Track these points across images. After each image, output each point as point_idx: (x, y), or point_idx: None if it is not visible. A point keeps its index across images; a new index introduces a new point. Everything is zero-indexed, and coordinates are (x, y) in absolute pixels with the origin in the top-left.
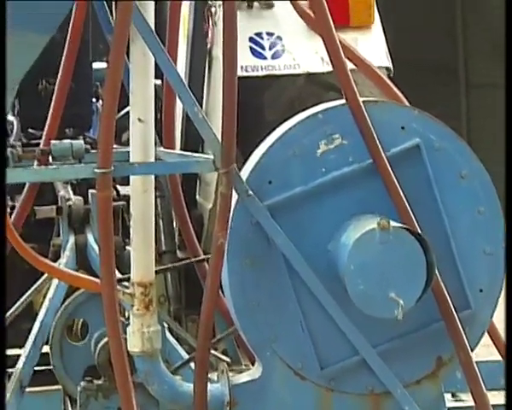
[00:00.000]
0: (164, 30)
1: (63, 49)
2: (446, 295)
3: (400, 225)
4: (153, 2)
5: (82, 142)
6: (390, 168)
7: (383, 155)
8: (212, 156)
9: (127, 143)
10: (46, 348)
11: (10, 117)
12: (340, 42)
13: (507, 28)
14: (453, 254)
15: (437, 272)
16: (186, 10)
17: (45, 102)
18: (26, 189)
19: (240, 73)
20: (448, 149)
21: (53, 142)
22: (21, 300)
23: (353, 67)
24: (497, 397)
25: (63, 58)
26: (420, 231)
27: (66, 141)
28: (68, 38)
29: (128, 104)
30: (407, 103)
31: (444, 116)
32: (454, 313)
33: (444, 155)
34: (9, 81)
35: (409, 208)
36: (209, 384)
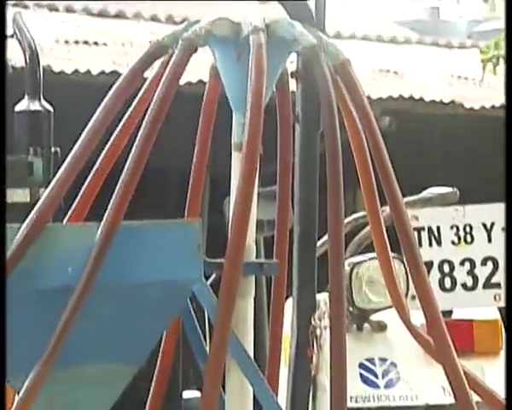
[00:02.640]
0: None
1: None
2: None
3: None
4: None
5: None
6: None
7: None
8: None
9: None
10: None
11: None
12: (464, 371)
13: (507, 31)
14: None
15: None
16: (287, 330)
17: None
18: None
19: (349, 404)
20: None
21: None
22: None
23: (479, 399)
24: None
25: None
26: None
27: None
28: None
29: None
30: None
31: None
32: None
33: None
34: None
35: None
36: None
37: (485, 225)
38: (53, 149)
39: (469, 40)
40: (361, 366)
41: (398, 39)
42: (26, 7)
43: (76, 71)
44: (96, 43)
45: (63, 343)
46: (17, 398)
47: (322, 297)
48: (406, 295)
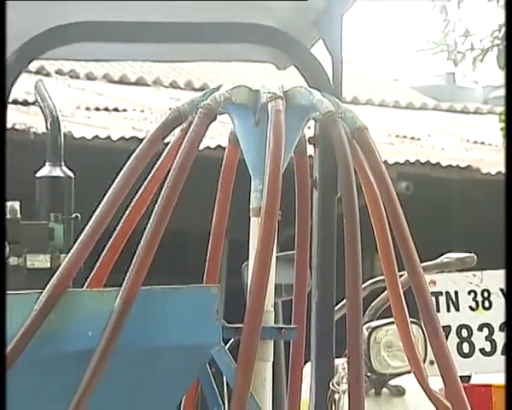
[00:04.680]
0: None
1: None
2: None
3: None
4: None
5: None
6: None
7: None
8: None
9: None
10: None
11: None
12: None
13: (507, 33)
14: None
15: None
16: (306, 395)
17: None
18: None
19: None
20: None
21: None
22: None
23: None
24: None
25: None
26: None
27: None
28: None
29: None
30: None
31: None
32: None
33: None
34: None
35: None
36: None
37: (502, 291)
38: (73, 215)
39: (485, 106)
40: None
41: (415, 105)
42: (48, 74)
43: (96, 136)
44: (116, 110)
45: (83, 406)
46: None
47: (341, 362)
48: (424, 360)
